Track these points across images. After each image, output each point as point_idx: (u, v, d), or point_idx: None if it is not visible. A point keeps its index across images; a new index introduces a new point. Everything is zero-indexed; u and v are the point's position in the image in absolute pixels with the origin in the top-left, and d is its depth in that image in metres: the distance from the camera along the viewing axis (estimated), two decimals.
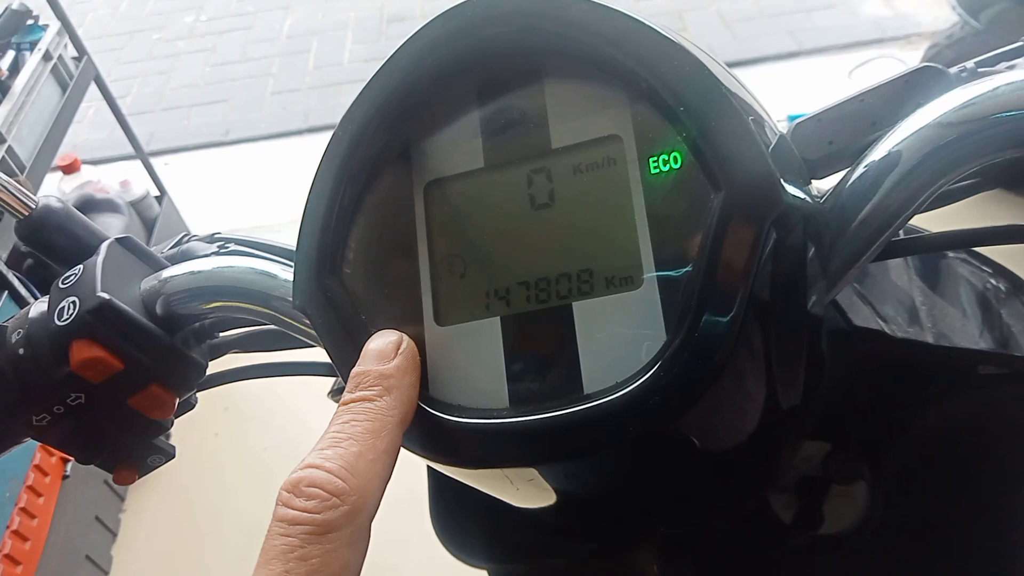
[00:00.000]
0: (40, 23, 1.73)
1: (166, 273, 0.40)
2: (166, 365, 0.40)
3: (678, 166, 0.27)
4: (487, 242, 0.30)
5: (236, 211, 2.52)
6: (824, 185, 0.31)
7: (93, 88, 1.88)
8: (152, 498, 1.76)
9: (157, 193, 2.13)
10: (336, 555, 0.24)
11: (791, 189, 0.26)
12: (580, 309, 0.28)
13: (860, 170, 0.28)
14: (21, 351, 0.38)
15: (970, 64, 0.31)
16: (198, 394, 0.46)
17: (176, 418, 0.44)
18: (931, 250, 0.45)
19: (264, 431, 1.85)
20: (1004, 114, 0.26)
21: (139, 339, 0.38)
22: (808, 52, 2.74)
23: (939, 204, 0.32)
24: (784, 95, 2.30)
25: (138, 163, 2.10)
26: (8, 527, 1.31)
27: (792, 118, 0.34)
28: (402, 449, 0.29)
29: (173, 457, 0.45)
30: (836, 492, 0.45)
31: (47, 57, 1.67)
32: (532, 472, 0.29)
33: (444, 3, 0.29)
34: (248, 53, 3.41)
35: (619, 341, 0.27)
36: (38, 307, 0.39)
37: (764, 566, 0.48)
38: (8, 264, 1.33)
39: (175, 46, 3.56)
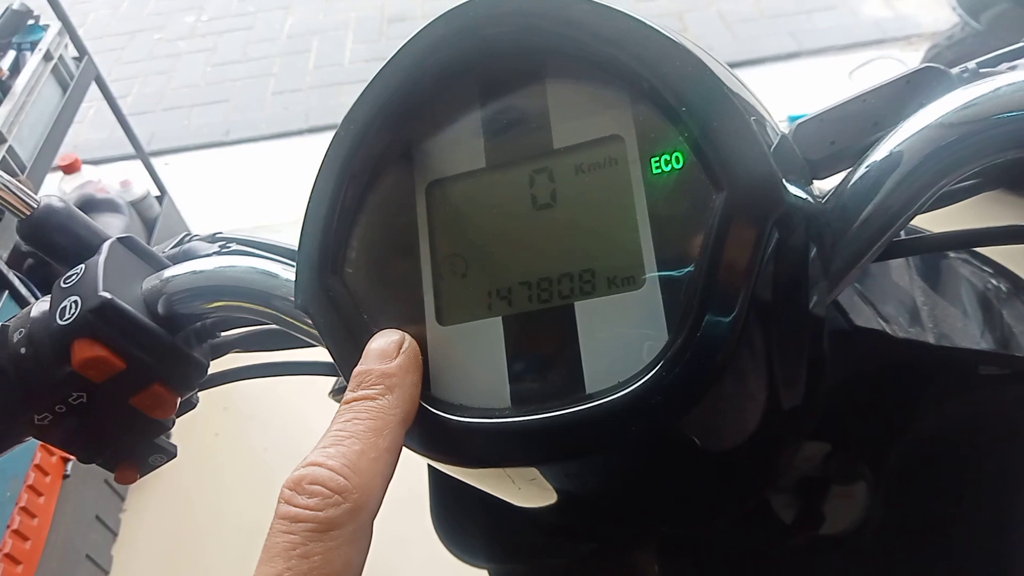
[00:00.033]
0: (41, 23, 1.73)
1: (168, 273, 0.40)
2: (168, 364, 0.40)
3: (680, 166, 0.27)
4: (489, 242, 0.31)
5: (237, 211, 2.52)
6: (826, 185, 0.31)
7: (94, 88, 1.88)
8: (152, 498, 1.76)
9: (157, 193, 2.14)
10: (338, 553, 0.24)
11: (793, 189, 0.26)
12: (582, 309, 0.28)
13: (862, 170, 0.28)
14: (23, 350, 0.38)
15: (972, 65, 0.31)
16: (199, 393, 0.46)
17: (177, 417, 0.44)
18: (932, 250, 0.45)
19: (264, 431, 1.85)
20: (1006, 115, 0.26)
21: (141, 338, 0.38)
22: (808, 53, 2.74)
23: (940, 204, 0.32)
24: (784, 96, 2.30)
25: (139, 163, 2.10)
26: (8, 526, 1.31)
27: (792, 119, 0.34)
28: (403, 449, 0.29)
29: (175, 456, 0.45)
30: (836, 492, 0.45)
31: (48, 57, 1.68)
32: (533, 472, 0.29)
33: (445, 3, 0.29)
34: (249, 53, 3.41)
35: (621, 341, 0.27)
36: (40, 306, 0.39)
37: (764, 566, 0.48)
38: (9, 264, 1.33)
39: (176, 46, 3.56)
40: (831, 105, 0.31)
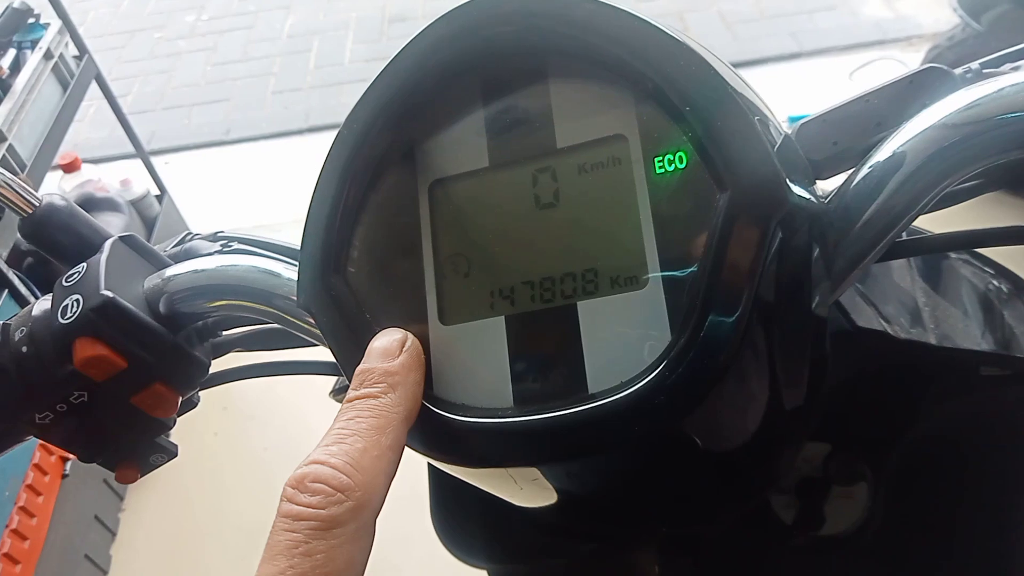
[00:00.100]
0: (41, 22, 1.73)
1: (169, 271, 0.40)
2: (169, 363, 0.40)
3: (683, 166, 0.27)
4: (491, 241, 0.31)
5: (237, 210, 2.52)
6: (828, 186, 0.31)
7: (94, 87, 1.88)
8: (151, 498, 1.75)
9: (157, 192, 2.13)
10: (341, 551, 0.24)
11: (796, 189, 0.26)
12: (585, 309, 0.28)
13: (865, 171, 0.28)
14: (24, 349, 0.38)
15: (975, 65, 0.31)
16: (200, 393, 0.46)
17: (179, 416, 0.44)
18: (934, 251, 0.45)
19: (263, 431, 1.85)
20: (1009, 115, 0.26)
21: (142, 337, 0.38)
22: (809, 53, 2.74)
23: (943, 205, 0.32)
24: (785, 96, 2.30)
25: (138, 162, 2.10)
26: (7, 526, 1.31)
27: (793, 119, 0.34)
28: (405, 448, 0.29)
29: (175, 455, 0.45)
30: (837, 493, 0.45)
31: (48, 56, 1.67)
32: (535, 472, 0.29)
33: (446, 3, 0.29)
34: (249, 52, 3.41)
35: (623, 341, 0.27)
36: (41, 305, 0.39)
37: (765, 566, 0.48)
38: (8, 262, 1.33)
39: (176, 45, 3.56)
40: (834, 105, 0.31)
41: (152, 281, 0.40)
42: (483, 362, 0.29)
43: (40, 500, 1.40)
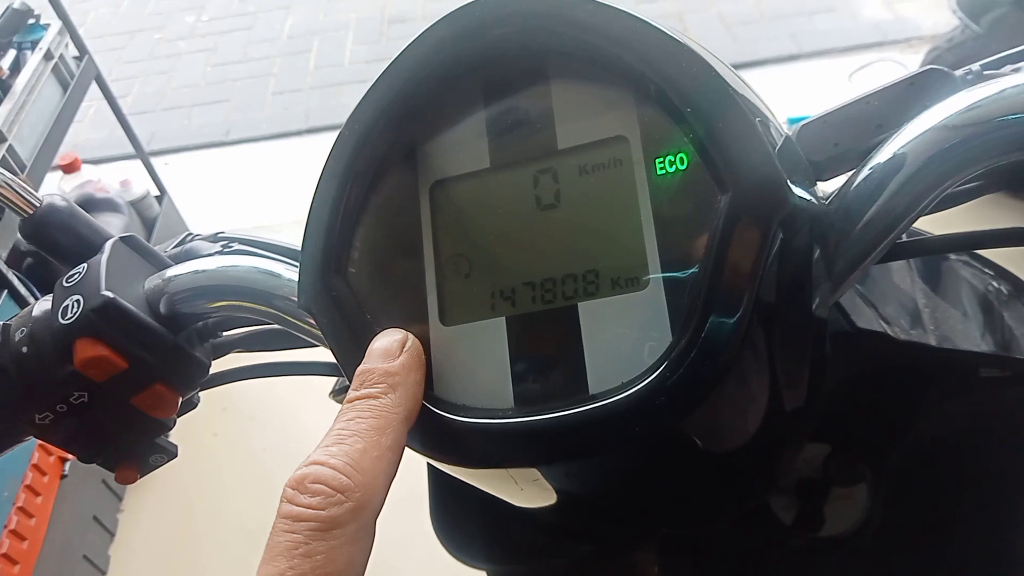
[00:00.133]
0: (41, 22, 1.73)
1: (170, 272, 0.40)
2: (169, 364, 0.40)
3: (684, 167, 0.27)
4: (492, 242, 0.31)
5: (236, 211, 2.52)
6: (829, 187, 0.31)
7: (94, 87, 1.88)
8: (150, 498, 1.75)
9: (157, 193, 2.13)
10: (341, 551, 0.24)
11: (797, 190, 0.26)
12: (585, 310, 0.28)
13: (865, 172, 0.28)
14: (24, 349, 0.38)
15: (975, 67, 0.31)
16: (200, 393, 0.46)
17: (179, 417, 0.44)
18: (934, 252, 0.45)
19: (263, 431, 1.85)
20: (1009, 117, 0.26)
21: (143, 338, 0.38)
22: (808, 55, 2.74)
23: (943, 207, 0.32)
24: (784, 98, 2.31)
25: (138, 163, 2.10)
26: (6, 526, 1.31)
27: (792, 121, 0.34)
28: (405, 448, 0.29)
29: (175, 456, 0.45)
30: (837, 494, 0.45)
31: (48, 56, 1.67)
32: (536, 472, 0.29)
33: (446, 4, 0.29)
34: (249, 53, 3.41)
35: (624, 342, 0.27)
36: (41, 305, 0.39)
37: (764, 567, 0.48)
38: (8, 263, 1.33)
39: (176, 46, 3.56)
40: (835, 107, 0.31)
41: (153, 282, 0.40)
42: (484, 363, 0.29)
43: (39, 500, 1.40)
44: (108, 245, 0.40)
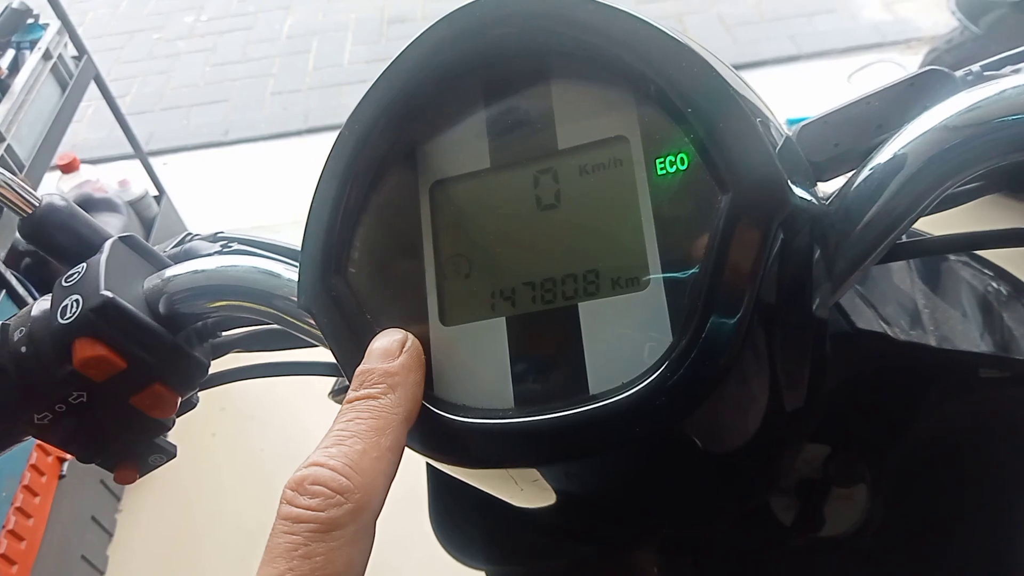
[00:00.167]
0: (40, 22, 1.73)
1: (169, 272, 0.40)
2: (169, 364, 0.39)
3: (685, 167, 0.27)
4: (492, 242, 0.31)
5: (235, 211, 2.52)
6: (829, 187, 0.31)
7: (93, 87, 1.88)
8: (148, 498, 1.75)
9: (156, 193, 2.13)
10: (340, 553, 0.24)
11: (798, 191, 0.26)
12: (586, 310, 0.28)
13: (865, 173, 0.28)
14: (23, 349, 0.38)
15: (976, 68, 0.31)
16: (199, 393, 0.46)
17: (178, 417, 0.44)
18: (934, 253, 0.45)
19: (262, 431, 1.84)
20: (1009, 118, 0.26)
21: (142, 338, 0.38)
22: (808, 56, 2.74)
23: (943, 207, 0.32)
24: (784, 99, 2.31)
25: (137, 163, 2.10)
26: (4, 526, 1.31)
27: (791, 122, 0.34)
28: (405, 449, 0.29)
29: (174, 456, 0.45)
30: (837, 494, 0.45)
31: (47, 56, 1.67)
32: (535, 472, 0.29)
33: (445, 5, 0.29)
34: (248, 53, 3.41)
35: (625, 342, 0.27)
36: (40, 305, 0.39)
37: (764, 567, 0.48)
38: (6, 263, 1.33)
39: (175, 46, 3.56)
40: (835, 107, 0.31)
41: (152, 281, 0.40)
42: (484, 363, 0.29)
43: (37, 501, 1.40)
44: (107, 245, 0.40)
